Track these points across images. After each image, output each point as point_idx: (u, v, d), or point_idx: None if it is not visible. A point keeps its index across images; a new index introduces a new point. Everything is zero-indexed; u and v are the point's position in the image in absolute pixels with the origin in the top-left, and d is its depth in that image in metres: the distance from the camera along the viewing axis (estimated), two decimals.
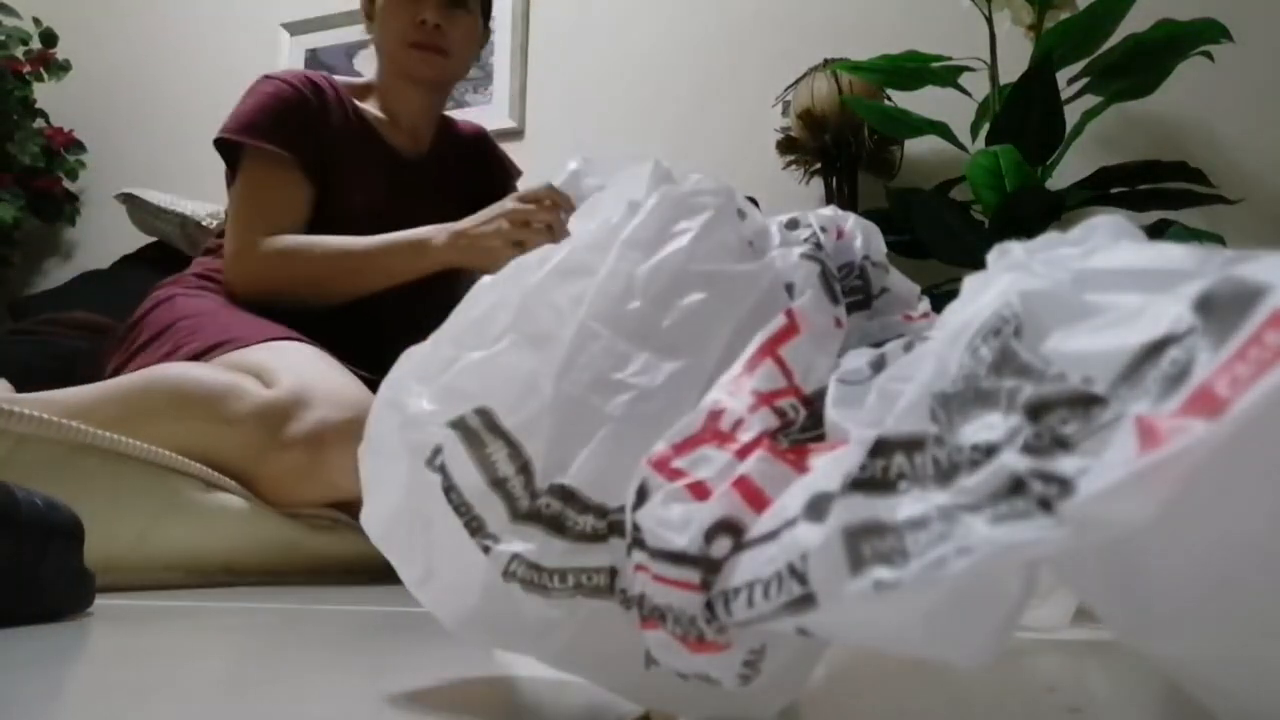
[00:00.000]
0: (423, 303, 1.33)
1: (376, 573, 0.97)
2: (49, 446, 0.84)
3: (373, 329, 1.29)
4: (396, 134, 1.47)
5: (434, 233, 1.27)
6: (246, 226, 1.34)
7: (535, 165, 2.35)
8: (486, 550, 0.35)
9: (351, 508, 1.11)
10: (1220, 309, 0.22)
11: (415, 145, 1.49)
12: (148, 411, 1.01)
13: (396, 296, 1.30)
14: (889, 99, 1.86)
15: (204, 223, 2.20)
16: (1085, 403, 0.23)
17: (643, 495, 0.31)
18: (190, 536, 0.96)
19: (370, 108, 1.47)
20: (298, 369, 1.10)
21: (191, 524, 0.96)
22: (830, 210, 0.44)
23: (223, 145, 1.38)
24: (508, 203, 1.23)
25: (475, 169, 1.57)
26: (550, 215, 1.20)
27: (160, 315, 1.31)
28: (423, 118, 1.49)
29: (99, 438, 0.87)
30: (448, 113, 1.61)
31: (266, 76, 1.41)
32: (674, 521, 0.30)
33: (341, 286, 1.31)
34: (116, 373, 1.24)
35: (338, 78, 1.48)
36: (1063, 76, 1.59)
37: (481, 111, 2.40)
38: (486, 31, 1.51)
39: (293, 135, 1.35)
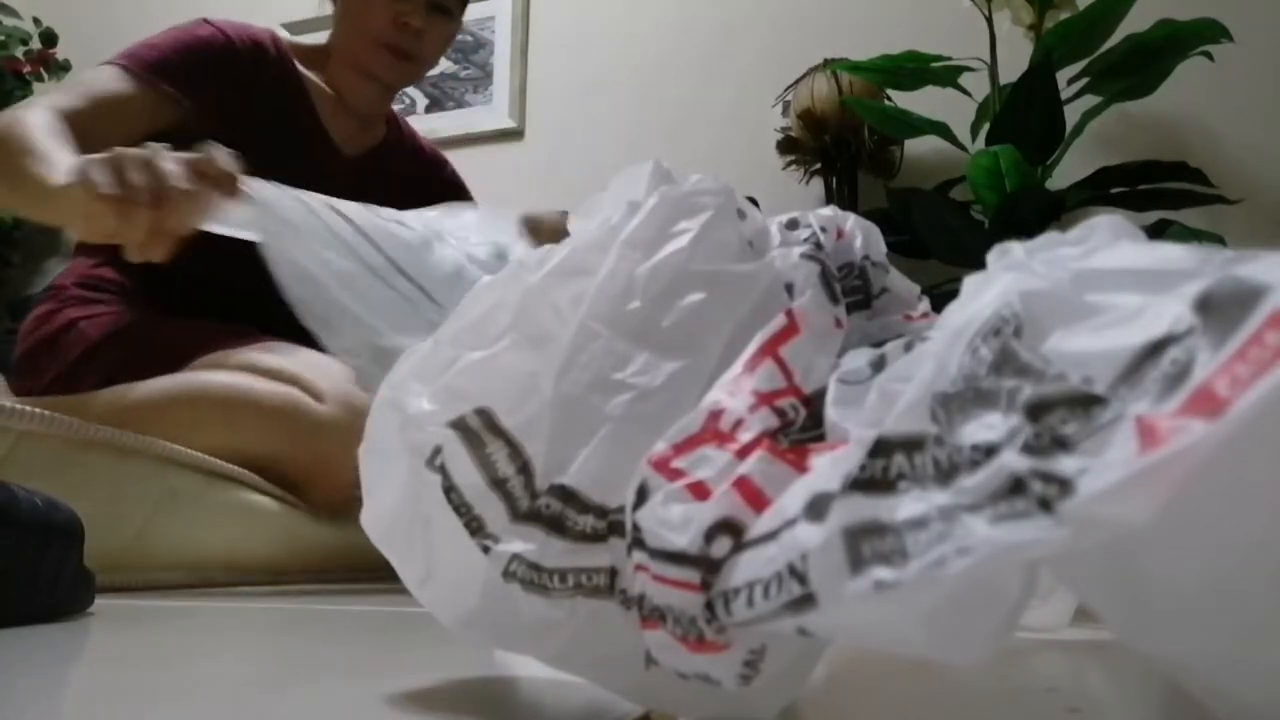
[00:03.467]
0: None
1: (377, 569, 0.97)
2: (48, 443, 0.84)
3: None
4: (341, 123, 1.30)
5: (68, 168, 0.90)
6: (54, 95, 1.08)
7: (535, 165, 2.36)
8: (486, 550, 0.35)
9: None
10: (1220, 309, 0.22)
11: (359, 140, 1.33)
12: (195, 422, 1.01)
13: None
14: (889, 99, 1.86)
15: None
16: (1085, 403, 0.23)
17: (643, 495, 0.31)
18: (189, 532, 0.96)
19: (318, 80, 1.29)
20: (320, 371, 1.08)
21: (190, 519, 0.96)
22: (830, 210, 0.44)
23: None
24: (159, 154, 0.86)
25: (419, 192, 1.32)
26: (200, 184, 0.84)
27: (72, 340, 1.17)
28: (374, 111, 1.34)
29: (98, 433, 0.87)
30: (414, 124, 1.47)
31: (204, 20, 1.21)
32: (674, 521, 0.30)
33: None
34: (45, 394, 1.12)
35: (288, 38, 1.31)
36: (1063, 76, 1.59)
37: (481, 111, 2.40)
38: (455, 35, 1.35)
39: (195, 84, 1.14)
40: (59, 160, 0.93)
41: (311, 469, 1.05)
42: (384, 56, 1.24)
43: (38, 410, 0.83)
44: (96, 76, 1.12)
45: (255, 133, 1.16)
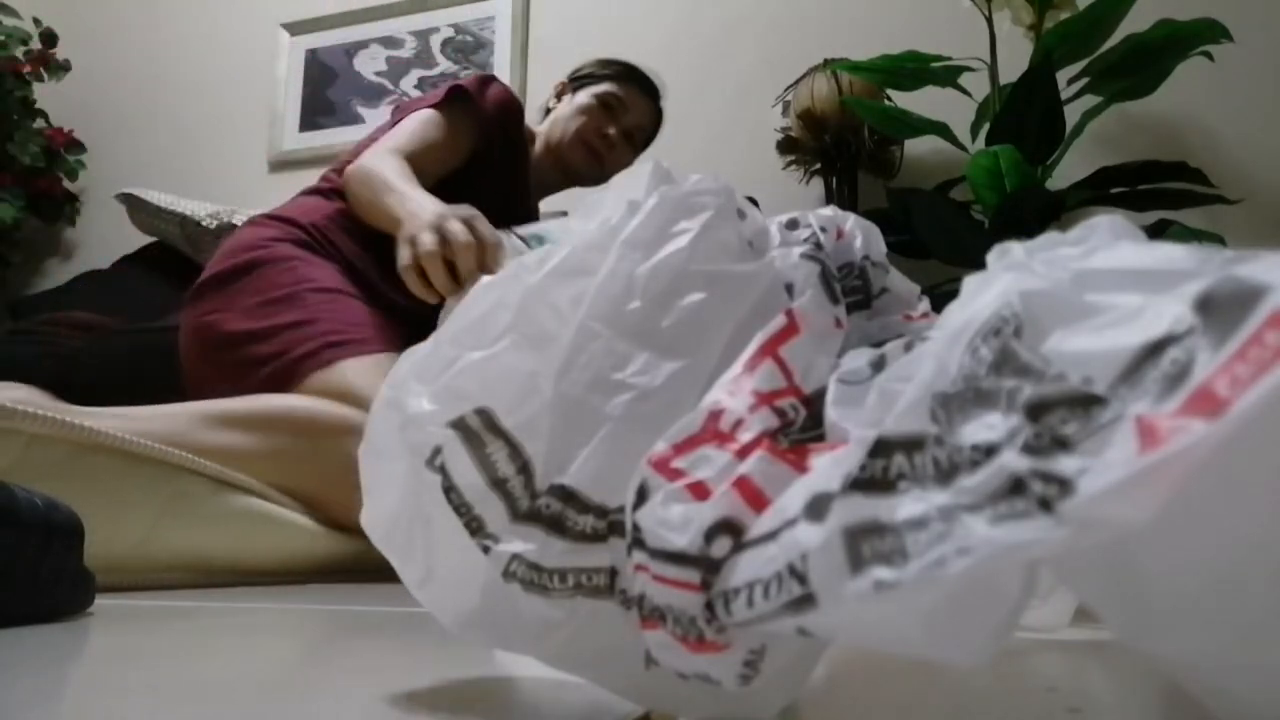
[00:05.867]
0: None
1: (380, 572, 0.98)
2: (60, 446, 0.84)
3: None
4: (533, 183, 1.62)
5: (418, 217, 1.20)
6: (394, 139, 1.39)
7: None
8: (486, 550, 0.35)
9: None
10: (1220, 309, 0.22)
11: (536, 198, 1.66)
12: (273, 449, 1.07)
13: None
14: (889, 99, 1.86)
15: (204, 222, 2.20)
16: (1085, 403, 0.23)
17: (643, 495, 0.31)
18: (195, 535, 0.96)
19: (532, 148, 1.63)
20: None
21: (197, 523, 0.96)
22: (830, 210, 0.44)
23: (454, 95, 1.47)
24: (454, 219, 1.15)
25: None
26: (467, 261, 1.12)
27: (280, 276, 1.31)
28: (547, 190, 1.67)
29: (108, 437, 0.87)
30: None
31: (495, 78, 1.55)
32: (674, 521, 0.30)
33: (371, 217, 1.33)
34: (211, 319, 1.29)
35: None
36: (1063, 76, 1.59)
37: None
38: (632, 164, 1.65)
39: (496, 119, 1.47)
40: (409, 195, 1.26)
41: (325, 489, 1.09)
42: (583, 153, 1.61)
43: (49, 414, 0.84)
44: (444, 122, 1.45)
45: (494, 165, 1.51)
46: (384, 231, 1.28)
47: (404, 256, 1.15)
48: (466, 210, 1.17)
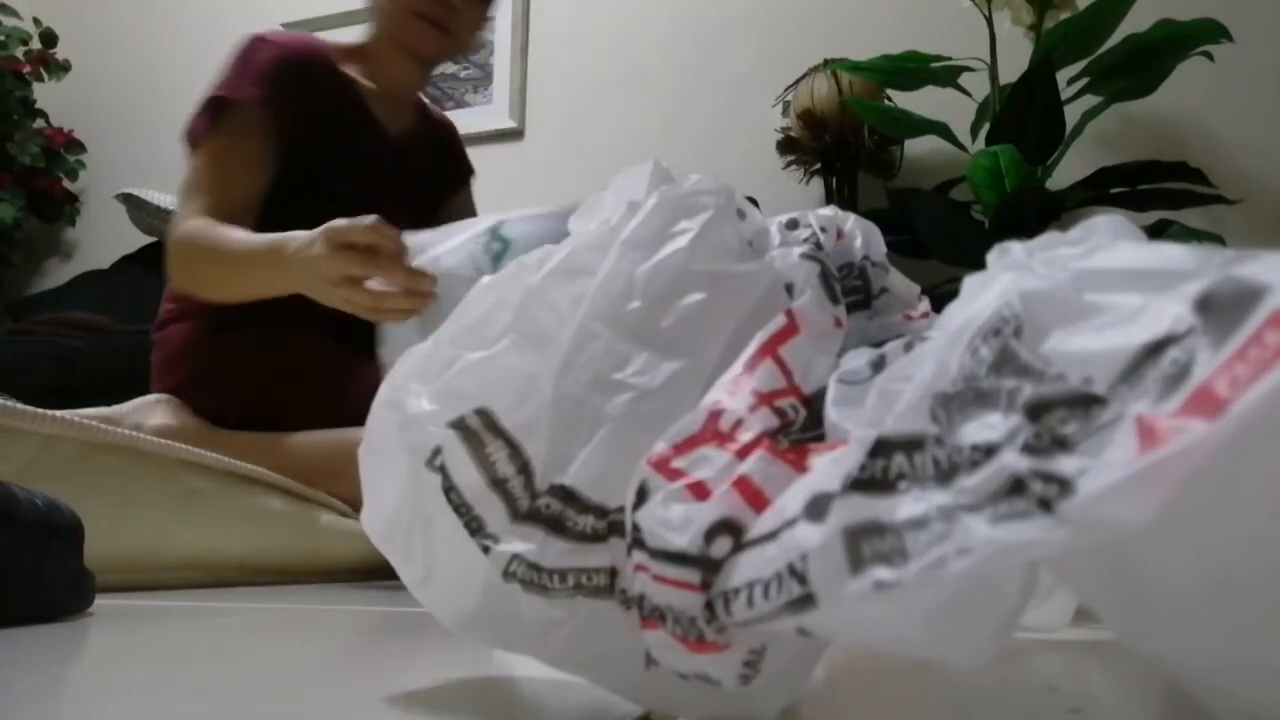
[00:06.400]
0: None
1: (388, 571, 0.98)
2: (69, 446, 0.84)
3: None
4: (382, 106, 1.41)
5: (287, 248, 1.09)
6: (185, 197, 1.25)
7: (535, 165, 2.36)
8: (486, 550, 0.35)
9: None
10: (1220, 309, 0.22)
11: (398, 120, 1.44)
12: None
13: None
14: (889, 99, 1.86)
15: None
16: (1085, 403, 0.23)
17: (643, 495, 0.31)
18: (205, 533, 0.96)
19: (357, 74, 1.41)
20: None
21: (207, 521, 0.96)
22: (830, 210, 0.44)
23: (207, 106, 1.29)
24: (339, 224, 1.04)
25: (439, 158, 1.52)
26: (382, 264, 1.01)
27: (267, 360, 1.28)
28: (409, 91, 1.46)
29: (117, 436, 0.87)
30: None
31: (259, 39, 1.33)
32: (674, 521, 0.30)
33: (228, 291, 1.20)
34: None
35: (327, 39, 1.44)
36: (1063, 76, 1.59)
37: (481, 111, 2.40)
38: (488, 20, 1.47)
39: (276, 96, 1.28)
40: (261, 244, 1.12)
41: None
42: (420, 27, 1.35)
43: (60, 415, 0.84)
44: (221, 141, 1.27)
45: (317, 127, 1.33)
46: (258, 296, 1.16)
47: (365, 310, 1.05)
48: (338, 232, 1.04)
